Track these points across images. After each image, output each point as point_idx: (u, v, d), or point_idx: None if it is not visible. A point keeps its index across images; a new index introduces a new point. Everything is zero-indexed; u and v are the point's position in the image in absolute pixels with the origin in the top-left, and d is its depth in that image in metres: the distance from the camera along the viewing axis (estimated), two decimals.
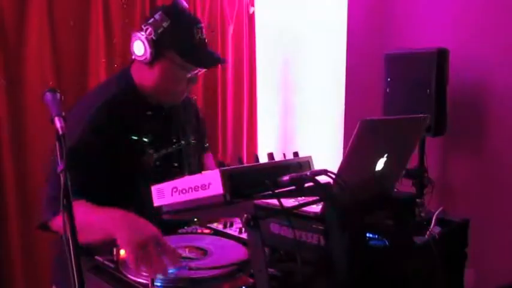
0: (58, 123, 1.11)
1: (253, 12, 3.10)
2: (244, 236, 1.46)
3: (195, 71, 1.61)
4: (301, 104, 3.36)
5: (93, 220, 1.34)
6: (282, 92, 3.41)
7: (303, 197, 1.19)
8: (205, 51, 1.62)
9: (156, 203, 1.08)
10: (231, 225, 1.56)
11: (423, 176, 2.72)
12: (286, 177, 1.01)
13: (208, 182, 0.95)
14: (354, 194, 1.08)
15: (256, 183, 0.99)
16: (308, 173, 1.03)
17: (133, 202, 1.45)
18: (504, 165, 2.66)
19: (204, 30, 1.61)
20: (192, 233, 1.50)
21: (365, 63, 2.99)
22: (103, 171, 1.49)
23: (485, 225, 2.73)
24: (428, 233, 1.57)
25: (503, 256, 2.68)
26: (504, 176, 2.66)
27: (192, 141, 1.80)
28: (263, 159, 1.15)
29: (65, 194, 1.04)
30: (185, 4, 1.62)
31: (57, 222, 1.38)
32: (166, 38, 1.53)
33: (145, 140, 1.61)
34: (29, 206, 2.18)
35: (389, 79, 2.68)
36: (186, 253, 1.28)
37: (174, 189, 1.03)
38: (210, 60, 1.66)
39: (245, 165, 1.03)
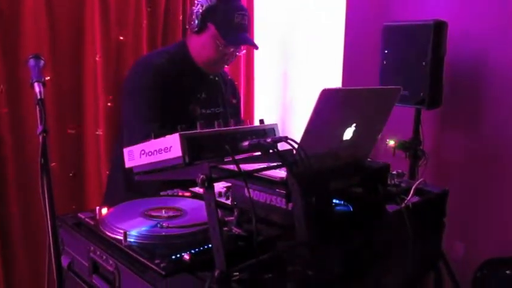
0: (37, 87, 1.18)
1: None
2: (222, 199, 1.54)
3: (231, 48, 1.90)
4: (299, 74, 3.38)
5: None
6: (280, 63, 3.43)
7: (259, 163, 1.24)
8: (239, 33, 1.88)
9: (128, 164, 1.16)
10: None
11: (417, 148, 2.75)
12: (246, 143, 1.07)
13: (170, 145, 1.01)
14: (315, 161, 1.14)
15: (217, 147, 1.05)
16: (268, 140, 1.09)
17: None
18: (499, 139, 2.67)
19: (246, 17, 1.90)
20: (172, 195, 1.58)
21: (364, 34, 2.99)
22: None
23: (478, 199, 2.77)
24: (403, 202, 1.62)
25: (495, 230, 2.72)
26: (499, 150, 2.67)
27: (229, 110, 2.09)
28: None
29: (43, 154, 1.12)
30: None
31: None
32: (211, 13, 1.85)
33: (192, 94, 1.93)
34: (29, 196, 2.23)
35: (386, 51, 2.68)
36: (162, 213, 1.36)
37: (142, 152, 1.10)
38: (240, 40, 1.90)
39: (208, 130, 1.09)
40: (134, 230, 1.22)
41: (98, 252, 1.21)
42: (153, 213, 1.35)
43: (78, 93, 2.30)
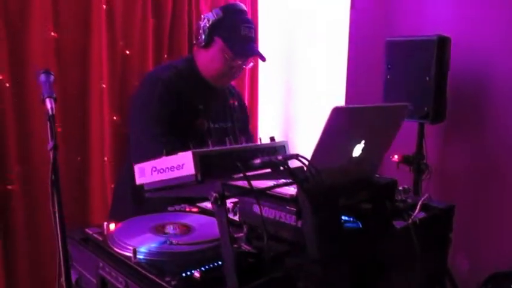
0: (49, 104, 1.18)
1: None
2: (230, 215, 1.53)
3: (238, 61, 1.92)
4: (302, 88, 3.39)
5: None
6: (283, 75, 3.44)
7: (270, 180, 1.24)
8: (246, 45, 1.90)
9: (138, 181, 1.16)
10: None
11: (421, 162, 2.75)
12: (257, 160, 1.07)
13: (182, 163, 1.01)
14: (325, 178, 1.14)
15: (228, 164, 1.05)
16: (280, 157, 1.09)
17: None
18: (502, 154, 2.68)
19: (252, 30, 1.93)
20: (180, 211, 1.58)
21: (367, 49, 3.00)
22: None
23: (482, 213, 2.76)
24: (410, 218, 1.62)
25: (499, 244, 2.71)
26: (502, 164, 2.67)
27: (237, 124, 2.09)
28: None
29: (53, 171, 1.12)
30: (242, 7, 1.97)
31: None
32: (217, 27, 1.88)
33: (200, 108, 1.92)
34: (34, 199, 2.21)
35: (389, 66, 2.69)
36: (171, 229, 1.35)
37: (154, 169, 1.10)
38: (247, 52, 1.92)
39: (219, 147, 1.09)
40: (143, 247, 1.21)
41: (107, 269, 1.20)
42: (162, 229, 1.34)
43: (83, 106, 2.30)
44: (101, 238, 1.31)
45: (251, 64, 2.03)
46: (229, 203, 1.58)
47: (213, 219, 1.47)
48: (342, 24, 3.08)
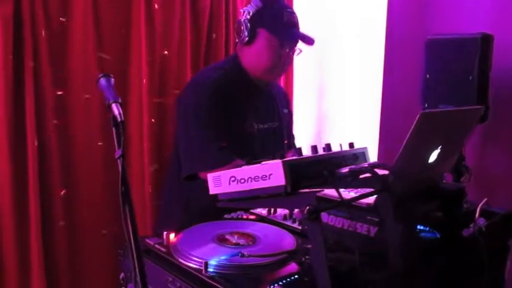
0: (116, 110, 1.11)
1: None
2: (288, 222, 1.47)
3: (286, 49, 1.83)
4: (337, 88, 3.31)
5: None
6: (317, 76, 3.37)
7: (355, 188, 1.18)
8: (292, 30, 1.83)
9: (212, 191, 1.10)
10: (275, 211, 1.56)
11: (460, 164, 2.67)
12: (345, 169, 1.01)
13: (269, 173, 0.95)
14: (408, 186, 1.08)
15: (314, 174, 0.99)
16: (366, 165, 1.03)
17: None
18: None
19: (294, 15, 1.86)
20: (238, 219, 1.52)
21: (405, 47, 2.92)
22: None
23: None
24: (473, 225, 1.55)
25: None
26: None
27: (283, 123, 2.03)
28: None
29: (123, 181, 1.06)
30: None
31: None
32: (259, 18, 1.79)
33: (248, 108, 1.85)
34: (74, 197, 2.18)
35: (429, 64, 2.61)
36: (235, 239, 1.30)
37: (232, 179, 1.04)
38: (294, 36, 1.84)
39: (303, 156, 1.03)
40: (213, 259, 1.15)
41: (178, 284, 1.14)
42: (226, 240, 1.28)
43: (123, 108, 2.25)
44: (164, 249, 1.26)
45: (299, 52, 1.93)
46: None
47: (276, 228, 1.42)
48: (378, 21, 3.00)
